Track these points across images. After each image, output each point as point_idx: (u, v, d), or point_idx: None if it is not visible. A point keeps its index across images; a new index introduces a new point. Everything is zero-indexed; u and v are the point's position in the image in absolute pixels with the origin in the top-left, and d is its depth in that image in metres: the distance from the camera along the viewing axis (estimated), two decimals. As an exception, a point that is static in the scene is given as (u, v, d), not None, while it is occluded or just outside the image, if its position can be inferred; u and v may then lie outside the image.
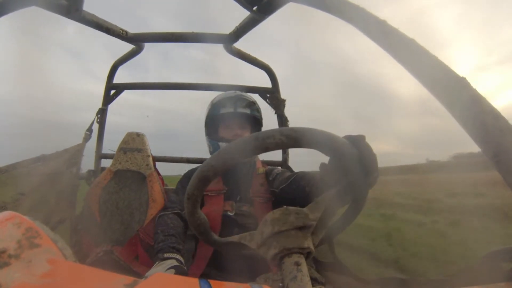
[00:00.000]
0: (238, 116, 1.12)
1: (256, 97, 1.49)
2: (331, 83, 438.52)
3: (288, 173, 1.06)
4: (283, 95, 1.58)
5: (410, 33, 0.48)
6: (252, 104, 1.15)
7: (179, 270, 0.76)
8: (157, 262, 0.79)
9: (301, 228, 0.47)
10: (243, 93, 1.16)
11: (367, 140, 0.49)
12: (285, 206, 0.49)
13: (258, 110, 1.17)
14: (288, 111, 1.55)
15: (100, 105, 1.58)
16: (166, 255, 0.81)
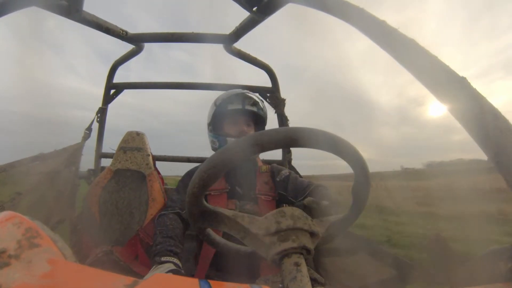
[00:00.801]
0: (246, 113, 1.13)
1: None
2: (309, 88, 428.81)
3: (300, 180, 1.05)
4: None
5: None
6: (258, 103, 1.16)
7: (176, 274, 0.75)
8: (154, 266, 0.79)
9: (312, 234, 0.48)
10: (250, 92, 1.17)
11: None
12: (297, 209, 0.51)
13: (263, 109, 1.18)
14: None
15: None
16: (163, 258, 0.80)
